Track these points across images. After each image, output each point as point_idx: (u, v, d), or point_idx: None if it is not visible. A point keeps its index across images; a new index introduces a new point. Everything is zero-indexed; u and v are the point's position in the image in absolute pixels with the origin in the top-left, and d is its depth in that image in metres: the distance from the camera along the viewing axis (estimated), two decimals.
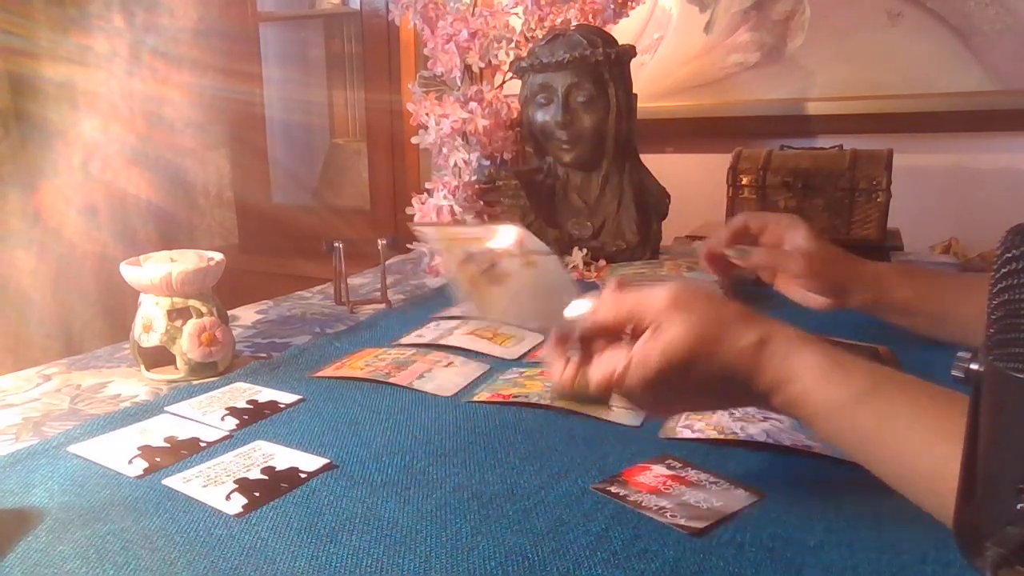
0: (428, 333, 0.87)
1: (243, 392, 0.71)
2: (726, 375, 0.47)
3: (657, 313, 0.48)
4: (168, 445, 0.60)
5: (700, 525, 0.47)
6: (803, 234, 0.84)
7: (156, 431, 0.62)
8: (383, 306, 1.03)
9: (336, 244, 1.01)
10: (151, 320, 0.74)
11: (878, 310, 0.78)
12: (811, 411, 0.47)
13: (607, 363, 0.49)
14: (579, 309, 0.51)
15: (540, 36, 1.24)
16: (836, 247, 0.88)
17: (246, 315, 1.01)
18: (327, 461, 0.56)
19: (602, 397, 0.49)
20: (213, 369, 0.76)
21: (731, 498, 0.50)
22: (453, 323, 0.91)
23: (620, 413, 0.64)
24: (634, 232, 1.22)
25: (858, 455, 0.47)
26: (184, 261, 0.76)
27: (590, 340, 0.50)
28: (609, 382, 0.48)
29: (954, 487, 0.32)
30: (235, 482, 0.53)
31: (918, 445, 0.44)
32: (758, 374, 0.47)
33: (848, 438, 0.47)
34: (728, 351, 0.47)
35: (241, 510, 0.50)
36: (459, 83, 1.24)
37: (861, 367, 0.47)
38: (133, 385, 0.75)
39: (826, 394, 0.46)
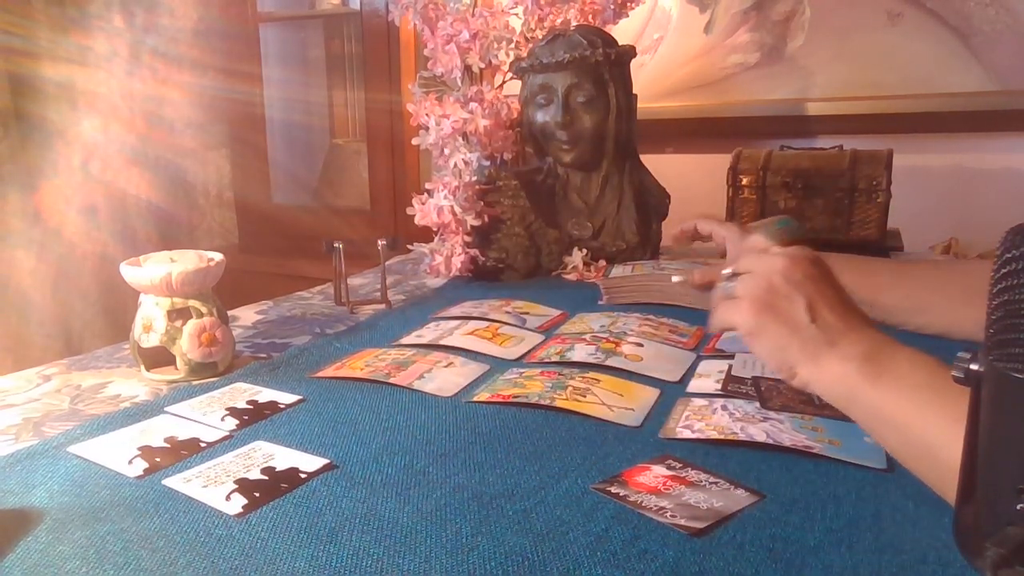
0: (428, 333, 0.87)
1: (243, 392, 0.71)
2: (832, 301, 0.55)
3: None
4: (168, 445, 0.60)
5: (700, 525, 0.47)
6: (731, 240, 0.91)
7: (156, 431, 0.62)
8: (383, 306, 1.03)
9: (336, 244, 1.01)
10: (151, 320, 0.74)
11: None
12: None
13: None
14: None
15: (540, 36, 1.24)
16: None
17: (246, 315, 1.01)
18: (327, 461, 0.56)
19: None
20: (213, 369, 0.76)
21: (731, 498, 0.50)
22: (453, 323, 0.91)
23: (620, 413, 0.64)
24: (634, 232, 1.22)
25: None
26: (184, 261, 0.76)
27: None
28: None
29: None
30: (235, 482, 0.53)
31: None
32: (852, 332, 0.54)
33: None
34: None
35: (241, 510, 0.50)
36: (459, 83, 1.24)
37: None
38: (133, 385, 0.75)
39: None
